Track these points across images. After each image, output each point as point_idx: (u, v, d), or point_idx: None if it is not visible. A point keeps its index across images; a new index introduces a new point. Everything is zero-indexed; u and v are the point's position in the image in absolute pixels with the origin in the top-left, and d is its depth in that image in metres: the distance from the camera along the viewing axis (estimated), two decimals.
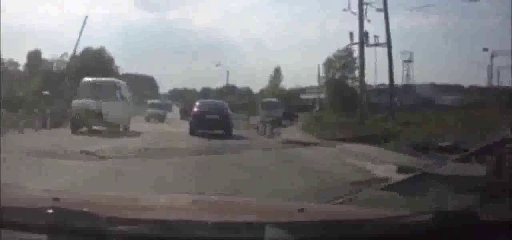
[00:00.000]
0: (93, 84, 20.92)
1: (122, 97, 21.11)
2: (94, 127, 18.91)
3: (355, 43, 27.04)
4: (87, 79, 21.60)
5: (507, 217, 1.77)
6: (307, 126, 26.11)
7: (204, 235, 1.56)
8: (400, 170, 8.64)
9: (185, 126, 22.00)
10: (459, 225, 1.63)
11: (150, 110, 36.68)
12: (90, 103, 19.13)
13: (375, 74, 38.76)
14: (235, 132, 20.58)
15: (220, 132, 18.62)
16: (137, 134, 18.86)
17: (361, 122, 24.02)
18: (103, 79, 22.36)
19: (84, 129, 18.83)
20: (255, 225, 1.68)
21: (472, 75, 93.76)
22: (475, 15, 67.14)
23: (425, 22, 71.86)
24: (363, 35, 26.39)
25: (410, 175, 7.59)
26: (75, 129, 18.52)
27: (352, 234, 1.64)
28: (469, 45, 65.33)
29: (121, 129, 20.23)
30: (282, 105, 34.22)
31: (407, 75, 41.73)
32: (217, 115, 18.80)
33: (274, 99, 36.20)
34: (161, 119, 34.55)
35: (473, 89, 39.30)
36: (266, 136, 20.23)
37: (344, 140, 15.60)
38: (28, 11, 67.42)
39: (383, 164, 10.29)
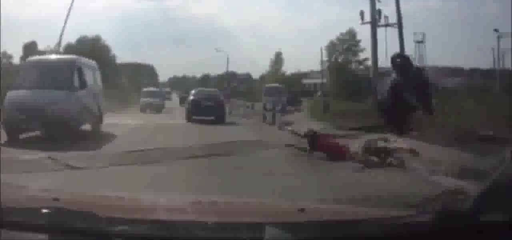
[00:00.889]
0: (38, 65, 13.84)
1: (84, 84, 13.96)
2: (38, 131, 12.73)
3: (367, 23, 24.72)
4: (31, 58, 15.08)
5: (507, 217, 1.77)
6: (315, 113, 24.31)
7: (204, 236, 1.57)
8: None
9: (183, 116, 21.70)
10: (459, 225, 1.63)
11: (145, 100, 32.12)
12: (31, 95, 12.31)
13: (386, 56, 36.55)
14: (239, 121, 20.75)
15: (228, 123, 19.56)
16: (112, 136, 14.00)
17: (374, 108, 21.79)
18: (54, 57, 15.36)
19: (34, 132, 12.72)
20: (255, 225, 1.68)
21: (473, 58, 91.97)
22: None
23: (427, 4, 71.01)
24: (375, 13, 24.30)
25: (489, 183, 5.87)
26: (11, 135, 12.04)
27: (352, 234, 1.64)
28: (472, 27, 64.27)
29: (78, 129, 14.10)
30: (286, 91, 32.84)
31: (420, 57, 38.22)
32: (211, 102, 20.13)
33: (277, 85, 34.69)
34: (159, 109, 30.80)
35: (474, 72, 38.21)
36: (277, 126, 18.05)
37: (365, 130, 13.50)
38: (23, 1, 66.66)
39: (436, 163, 8.39)
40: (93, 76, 15.57)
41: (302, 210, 1.97)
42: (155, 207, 2.24)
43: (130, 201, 2.41)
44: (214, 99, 20.65)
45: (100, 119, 15.73)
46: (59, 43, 31.83)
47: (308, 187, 7.00)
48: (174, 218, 1.84)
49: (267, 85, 34.95)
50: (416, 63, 36.95)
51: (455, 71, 38.35)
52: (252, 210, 2.28)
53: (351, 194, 6.48)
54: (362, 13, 25.07)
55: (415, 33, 37.06)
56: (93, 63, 16.53)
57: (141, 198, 2.74)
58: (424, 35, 38.95)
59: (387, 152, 9.31)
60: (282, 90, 31.85)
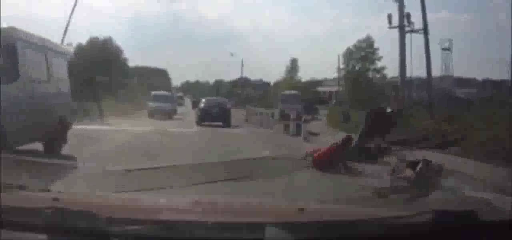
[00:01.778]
0: None
1: (16, 72, 8.53)
2: None
3: (395, 27, 22.96)
4: None
5: (507, 217, 1.77)
6: (334, 123, 22.51)
7: (204, 236, 1.57)
8: None
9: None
10: (459, 225, 1.63)
11: (153, 104, 28.87)
12: None
13: (410, 63, 33.36)
14: (257, 131, 19.66)
15: (245, 133, 18.61)
16: (99, 140, 10.91)
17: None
18: None
19: None
20: (255, 225, 1.68)
21: (486, 69, 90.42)
22: (494, 9, 64.62)
23: (438, 16, 70.19)
24: (404, 17, 22.54)
25: None
26: None
27: (352, 234, 1.64)
28: (483, 38, 63.44)
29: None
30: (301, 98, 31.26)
31: (446, 66, 36.08)
32: (218, 109, 22.49)
33: (294, 92, 33.38)
34: (169, 115, 27.98)
35: (486, 83, 36.99)
36: (303, 138, 15.94)
37: (400, 144, 11.69)
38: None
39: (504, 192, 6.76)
40: (46, 64, 9.87)
41: (302, 210, 1.97)
42: (155, 207, 2.24)
43: (130, 201, 2.41)
44: (220, 106, 23.12)
45: (62, 133, 10.14)
46: (62, 42, 26.70)
47: None
48: (174, 218, 1.84)
49: (284, 92, 33.58)
50: (442, 72, 34.42)
51: (468, 82, 37.10)
52: (252, 210, 2.28)
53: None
54: (389, 17, 23.28)
55: (441, 40, 35.05)
56: (51, 43, 10.91)
57: (141, 198, 2.73)
58: (451, 42, 36.42)
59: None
60: (298, 98, 30.55)
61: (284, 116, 21.68)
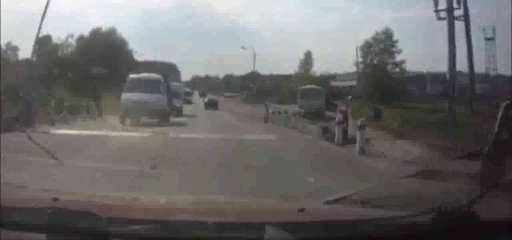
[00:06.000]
0: None
1: None
2: None
3: (441, 10, 19.98)
4: None
5: (507, 217, 1.77)
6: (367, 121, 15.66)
7: (204, 236, 1.56)
8: None
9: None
10: (459, 225, 1.63)
11: (129, 97, 17.93)
12: None
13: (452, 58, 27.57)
14: (288, 134, 16.02)
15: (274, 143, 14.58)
16: None
17: (452, 118, 16.89)
18: None
19: None
20: (255, 225, 1.67)
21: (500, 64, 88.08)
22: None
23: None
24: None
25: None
26: None
27: (352, 234, 1.64)
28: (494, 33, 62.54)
29: None
30: (324, 93, 28.29)
31: (491, 57, 32.28)
32: (214, 102, 36.83)
33: (315, 86, 30.58)
34: (160, 115, 18.05)
35: (499, 78, 35.56)
36: (358, 150, 11.56)
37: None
38: None
39: None
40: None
41: (302, 210, 1.96)
42: (155, 207, 2.24)
43: (130, 201, 2.40)
44: (214, 101, 37.58)
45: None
46: (38, 32, 22.48)
47: None
48: (174, 218, 1.84)
49: (302, 87, 30.08)
50: (486, 65, 31.31)
51: (484, 77, 35.76)
52: (252, 210, 2.28)
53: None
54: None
55: (483, 29, 31.12)
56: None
57: (141, 198, 2.73)
58: (494, 30, 31.52)
59: None
60: (319, 92, 27.79)
61: (304, 113, 20.06)
